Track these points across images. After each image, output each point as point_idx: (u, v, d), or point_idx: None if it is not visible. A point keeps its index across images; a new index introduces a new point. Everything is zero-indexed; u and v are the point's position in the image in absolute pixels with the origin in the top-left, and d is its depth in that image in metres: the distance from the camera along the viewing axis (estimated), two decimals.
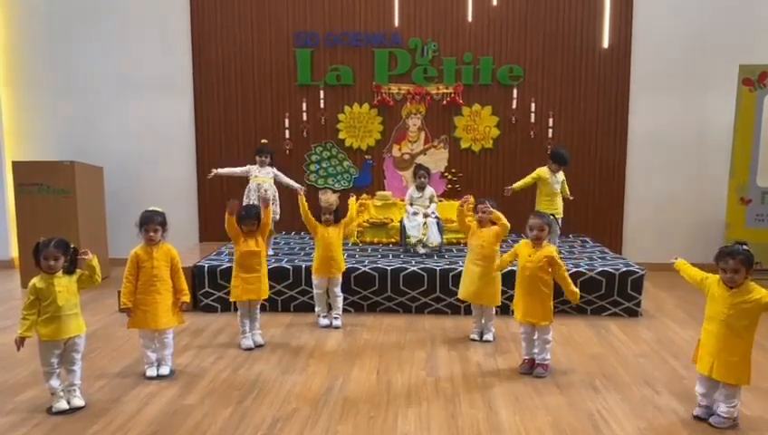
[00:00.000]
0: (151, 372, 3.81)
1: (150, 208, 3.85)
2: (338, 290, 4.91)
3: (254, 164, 6.01)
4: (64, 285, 3.30)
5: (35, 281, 3.27)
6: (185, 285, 3.89)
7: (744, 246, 3.09)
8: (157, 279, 3.77)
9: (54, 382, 3.31)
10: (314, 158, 7.20)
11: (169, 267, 3.83)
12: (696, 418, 3.22)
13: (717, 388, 3.18)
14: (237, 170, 6.00)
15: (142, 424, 3.18)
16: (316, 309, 4.95)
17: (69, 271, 3.34)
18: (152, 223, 3.76)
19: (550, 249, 3.90)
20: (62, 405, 3.31)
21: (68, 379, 3.38)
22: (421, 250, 5.81)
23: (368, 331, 4.80)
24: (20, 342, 3.22)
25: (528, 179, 5.86)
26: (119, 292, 5.23)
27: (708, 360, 3.13)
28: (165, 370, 3.85)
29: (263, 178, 5.94)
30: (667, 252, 6.89)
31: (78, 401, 3.37)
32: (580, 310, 5.22)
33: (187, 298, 3.90)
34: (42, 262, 3.27)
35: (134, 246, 3.85)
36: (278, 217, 6.05)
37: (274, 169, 6.09)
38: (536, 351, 3.91)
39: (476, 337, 4.55)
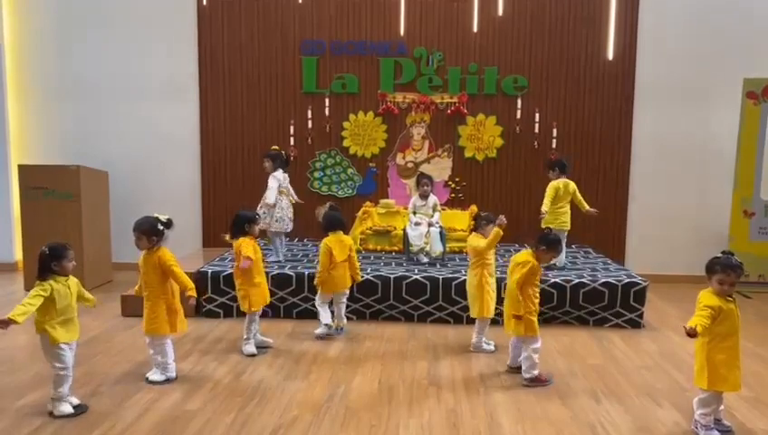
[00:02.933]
0: (153, 377, 3.83)
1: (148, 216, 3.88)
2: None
3: (276, 171, 5.77)
4: (74, 286, 3.39)
5: (49, 282, 3.25)
6: (185, 281, 3.79)
7: (735, 257, 3.11)
8: (147, 286, 3.81)
9: (67, 387, 3.33)
10: (318, 165, 7.22)
11: (159, 273, 3.77)
12: None
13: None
14: (276, 188, 5.69)
15: (144, 429, 3.18)
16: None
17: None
18: (134, 230, 3.78)
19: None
20: (68, 409, 3.32)
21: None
22: (424, 259, 5.81)
23: (370, 339, 4.80)
24: (7, 324, 3.10)
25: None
26: (122, 296, 5.28)
27: (739, 374, 3.11)
28: (155, 376, 3.84)
29: (286, 193, 5.88)
30: (670, 263, 7.02)
31: (75, 399, 3.42)
32: (582, 321, 5.21)
33: (192, 292, 3.80)
34: (64, 265, 3.30)
35: (138, 250, 3.86)
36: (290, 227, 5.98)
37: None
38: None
39: (493, 347, 4.54)
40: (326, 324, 4.75)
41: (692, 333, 2.99)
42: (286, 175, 5.87)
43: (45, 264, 3.28)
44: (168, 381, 3.82)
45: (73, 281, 3.40)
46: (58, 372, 3.29)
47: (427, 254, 5.82)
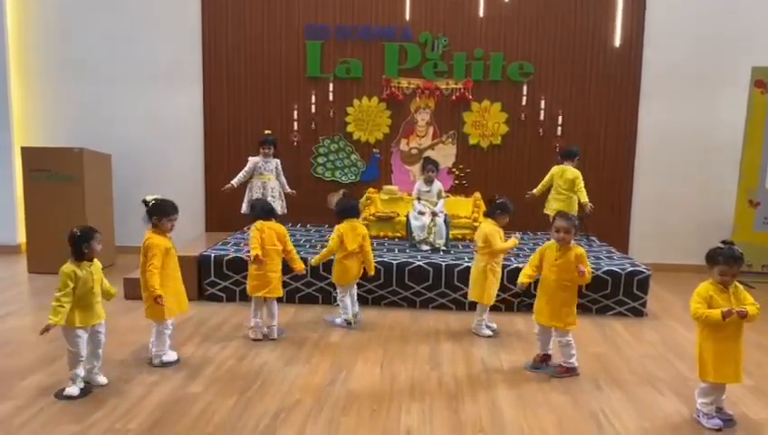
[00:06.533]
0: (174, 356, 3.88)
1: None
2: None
3: (257, 156, 6.04)
4: (97, 272, 3.42)
5: (73, 269, 3.29)
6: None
7: (737, 248, 3.08)
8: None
9: (81, 370, 3.37)
10: (322, 150, 7.19)
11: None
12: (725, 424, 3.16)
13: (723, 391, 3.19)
14: (246, 170, 6.05)
15: (146, 411, 3.19)
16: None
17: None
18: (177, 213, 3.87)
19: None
20: (74, 391, 3.35)
21: (92, 362, 3.45)
22: (424, 247, 5.79)
23: (372, 324, 4.80)
24: (47, 330, 3.20)
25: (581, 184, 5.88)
26: (124, 279, 5.26)
27: (737, 367, 3.09)
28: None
29: (267, 176, 5.98)
30: (673, 253, 7.00)
31: (102, 379, 3.49)
32: (585, 309, 5.20)
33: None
34: (93, 246, 3.35)
35: (141, 233, 3.85)
36: (284, 211, 6.07)
37: (277, 162, 6.13)
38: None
39: (490, 332, 4.55)
40: (346, 319, 4.71)
41: (726, 315, 2.96)
42: (270, 160, 6.04)
43: (77, 245, 3.32)
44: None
45: (97, 266, 3.44)
46: (71, 355, 3.34)
47: (429, 244, 5.80)
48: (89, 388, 3.42)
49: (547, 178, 6.01)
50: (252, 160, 6.08)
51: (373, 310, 5.18)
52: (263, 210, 4.50)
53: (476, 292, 4.51)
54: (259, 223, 4.38)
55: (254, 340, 4.31)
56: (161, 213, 3.80)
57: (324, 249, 4.76)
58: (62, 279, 3.26)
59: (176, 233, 3.96)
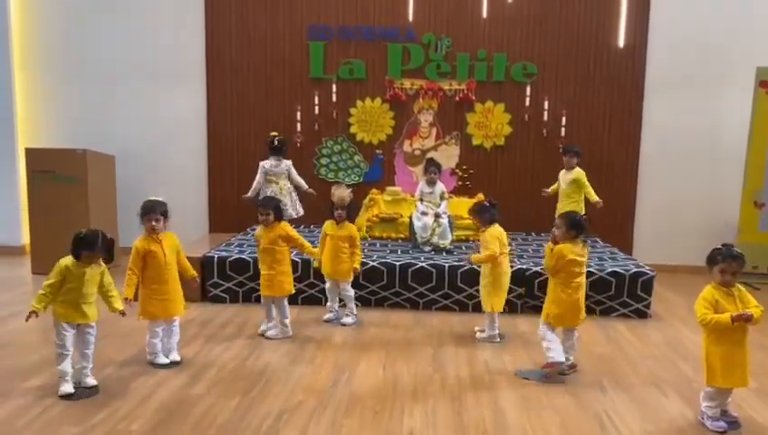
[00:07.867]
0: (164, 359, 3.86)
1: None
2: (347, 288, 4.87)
3: (266, 159, 6.02)
4: (91, 275, 3.39)
5: (66, 264, 3.31)
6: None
7: (736, 248, 3.09)
8: (171, 267, 3.86)
9: (66, 366, 3.35)
10: (325, 151, 7.19)
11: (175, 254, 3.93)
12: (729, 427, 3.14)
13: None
14: (259, 180, 6.12)
15: (149, 412, 3.19)
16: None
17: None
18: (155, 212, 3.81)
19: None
20: (69, 389, 3.35)
21: (81, 362, 3.44)
22: (427, 248, 5.78)
23: (375, 326, 4.79)
24: (28, 317, 3.28)
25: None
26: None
27: (744, 371, 3.08)
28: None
29: (280, 181, 6.05)
30: (677, 254, 6.97)
31: (91, 380, 3.46)
32: (588, 310, 5.14)
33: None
34: (84, 255, 3.32)
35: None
36: (299, 214, 6.13)
37: (289, 163, 6.15)
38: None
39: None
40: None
41: (736, 319, 2.95)
42: (280, 161, 6.08)
43: (77, 249, 3.32)
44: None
45: (98, 271, 3.42)
46: (56, 348, 3.35)
47: (433, 245, 5.79)
48: (94, 390, 3.42)
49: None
50: (264, 168, 6.13)
51: (376, 311, 5.17)
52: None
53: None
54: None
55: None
56: (141, 213, 3.81)
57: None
58: (54, 270, 3.31)
59: (179, 234, 3.98)
